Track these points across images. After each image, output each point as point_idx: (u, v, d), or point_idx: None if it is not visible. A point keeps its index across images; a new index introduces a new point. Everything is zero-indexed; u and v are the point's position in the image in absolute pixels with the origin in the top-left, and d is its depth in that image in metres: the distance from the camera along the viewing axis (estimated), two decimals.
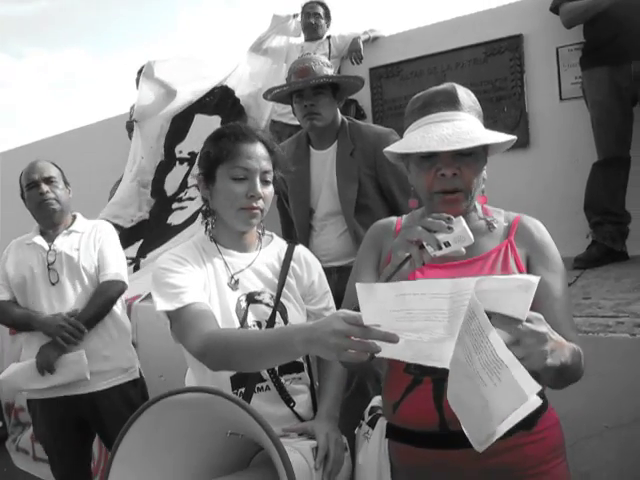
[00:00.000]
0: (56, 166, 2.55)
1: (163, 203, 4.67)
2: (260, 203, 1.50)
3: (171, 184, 4.72)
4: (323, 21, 4.42)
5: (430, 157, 1.23)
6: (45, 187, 2.43)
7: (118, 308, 2.54)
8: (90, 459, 2.60)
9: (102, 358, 2.39)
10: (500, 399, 0.91)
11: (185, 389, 1.13)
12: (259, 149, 1.51)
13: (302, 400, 1.53)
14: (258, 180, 1.49)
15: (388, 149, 1.29)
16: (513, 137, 1.24)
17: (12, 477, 3.86)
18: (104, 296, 2.43)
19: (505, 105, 3.85)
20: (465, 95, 1.27)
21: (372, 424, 1.41)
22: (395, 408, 1.30)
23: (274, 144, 1.57)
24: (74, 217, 2.60)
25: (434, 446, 1.23)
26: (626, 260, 3.18)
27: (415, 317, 0.96)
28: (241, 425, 1.10)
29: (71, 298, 2.40)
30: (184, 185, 4.66)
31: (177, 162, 4.77)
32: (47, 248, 2.44)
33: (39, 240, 2.47)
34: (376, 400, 1.49)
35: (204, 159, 1.55)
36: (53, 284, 2.40)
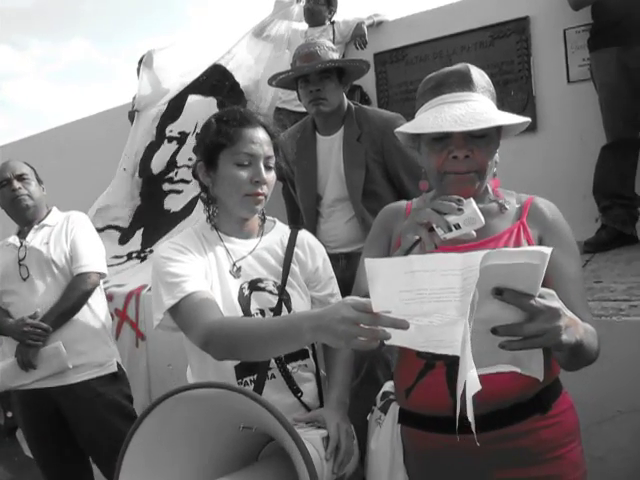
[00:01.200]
0: (28, 165, 2.57)
1: (150, 182, 4.62)
2: (264, 189, 1.47)
3: (157, 162, 4.69)
4: (323, 7, 4.35)
5: (442, 138, 1.20)
6: (17, 184, 2.46)
7: (97, 301, 2.52)
8: (86, 461, 2.55)
9: (75, 352, 2.37)
10: (463, 376, 0.91)
11: (197, 384, 1.11)
12: (261, 134, 1.48)
13: (308, 389, 1.51)
14: (262, 165, 1.46)
15: (399, 129, 1.26)
16: (527, 119, 1.21)
17: (23, 467, 3.89)
18: (77, 290, 2.40)
19: (512, 89, 3.81)
20: (479, 76, 1.24)
21: (384, 409, 1.40)
22: (408, 393, 1.29)
23: (275, 128, 1.54)
24: (49, 211, 2.59)
25: (447, 430, 1.21)
26: (636, 243, 3.15)
27: (425, 298, 0.93)
28: (254, 418, 1.08)
29: (42, 293, 2.40)
30: (172, 164, 4.62)
31: (166, 140, 4.74)
32: (19, 245, 2.46)
33: (13, 239, 2.50)
34: (388, 386, 1.48)
35: (205, 145, 1.50)
36: (24, 279, 2.40)
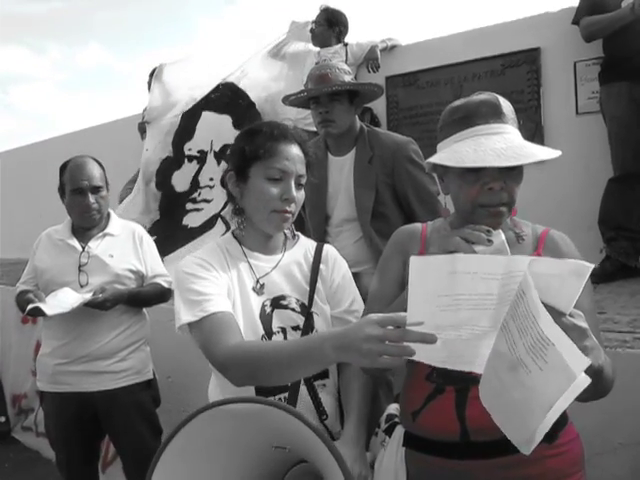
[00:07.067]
0: (99, 164, 2.49)
1: (172, 199, 4.61)
2: (293, 207, 1.44)
3: (181, 182, 4.69)
4: (323, 28, 4.38)
5: (476, 170, 1.18)
6: (92, 198, 2.38)
7: (146, 313, 2.56)
8: (98, 459, 2.58)
9: (120, 358, 2.37)
10: (546, 384, 0.89)
11: (239, 399, 1.06)
12: (296, 150, 1.45)
13: (330, 411, 1.46)
14: (293, 183, 1.43)
15: (432, 160, 1.24)
16: (559, 152, 1.21)
17: (13, 473, 3.87)
18: (163, 295, 2.40)
19: (521, 118, 3.74)
20: (507, 106, 1.24)
21: (389, 432, 1.40)
22: (415, 417, 1.29)
23: (310, 146, 1.51)
24: (108, 216, 2.54)
25: (454, 456, 1.22)
26: (639, 276, 3.16)
27: (462, 306, 0.94)
28: (288, 437, 1.05)
29: None
30: (196, 184, 4.63)
31: (186, 159, 4.75)
32: (80, 249, 2.40)
33: (72, 241, 2.43)
34: (393, 408, 1.47)
35: (238, 155, 1.47)
36: (82, 286, 2.35)
